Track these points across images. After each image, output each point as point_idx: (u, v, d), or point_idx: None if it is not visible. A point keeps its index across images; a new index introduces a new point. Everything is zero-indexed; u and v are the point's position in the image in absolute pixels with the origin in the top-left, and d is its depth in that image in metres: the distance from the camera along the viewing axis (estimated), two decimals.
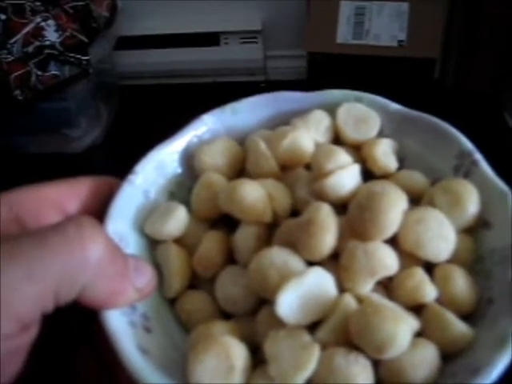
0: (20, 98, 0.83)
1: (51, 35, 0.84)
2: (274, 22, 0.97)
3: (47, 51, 0.83)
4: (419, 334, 0.25)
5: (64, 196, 0.27)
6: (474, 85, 0.93)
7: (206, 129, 0.32)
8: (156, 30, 0.96)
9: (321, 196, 0.27)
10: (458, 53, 0.95)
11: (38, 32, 0.84)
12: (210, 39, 0.96)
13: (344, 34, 0.94)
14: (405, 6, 0.93)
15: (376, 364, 0.24)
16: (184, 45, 0.96)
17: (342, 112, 0.31)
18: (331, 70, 0.95)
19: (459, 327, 0.25)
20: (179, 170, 0.31)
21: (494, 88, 0.92)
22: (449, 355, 0.25)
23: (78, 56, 0.84)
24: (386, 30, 0.94)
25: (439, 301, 0.26)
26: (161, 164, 0.30)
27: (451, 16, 0.93)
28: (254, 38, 0.97)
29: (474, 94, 0.93)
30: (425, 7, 0.92)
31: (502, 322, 0.25)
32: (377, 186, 0.27)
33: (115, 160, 0.88)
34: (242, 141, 0.32)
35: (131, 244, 0.28)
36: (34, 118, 0.85)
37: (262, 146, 0.29)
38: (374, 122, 0.31)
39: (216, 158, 0.30)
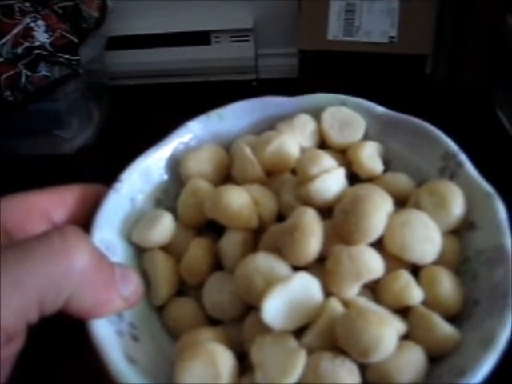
0: (10, 99, 0.83)
1: (41, 36, 0.84)
2: (265, 21, 0.97)
3: (37, 52, 0.83)
4: (406, 337, 0.25)
5: (50, 204, 0.27)
6: (465, 80, 0.93)
7: (191, 135, 0.32)
8: (147, 30, 0.96)
9: (306, 200, 0.27)
10: (449, 48, 0.95)
11: (27, 33, 0.83)
12: (201, 38, 0.96)
13: (335, 30, 0.94)
14: (395, 2, 0.93)
15: (363, 367, 0.24)
16: (175, 44, 0.96)
17: (327, 116, 0.31)
18: (322, 67, 0.95)
19: (445, 329, 0.25)
20: (165, 177, 0.31)
21: (485, 83, 0.92)
22: (435, 357, 0.25)
23: (68, 56, 0.84)
24: (377, 26, 0.94)
25: (425, 303, 0.26)
26: (147, 171, 0.30)
27: (442, 12, 0.93)
28: (246, 36, 0.97)
29: (465, 89, 0.93)
30: (415, 3, 0.92)
31: (488, 323, 0.25)
32: (361, 189, 0.28)
33: (107, 160, 0.88)
34: (228, 147, 0.32)
35: (118, 252, 0.28)
36: (25, 119, 0.85)
37: (248, 151, 0.29)
38: (359, 126, 0.31)
39: (202, 164, 0.30)
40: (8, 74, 0.81)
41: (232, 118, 0.32)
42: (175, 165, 0.31)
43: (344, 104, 0.32)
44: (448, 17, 0.93)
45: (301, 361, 0.23)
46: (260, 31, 0.98)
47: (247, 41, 0.97)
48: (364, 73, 0.94)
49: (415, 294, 0.26)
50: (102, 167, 0.88)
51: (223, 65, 0.97)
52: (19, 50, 0.82)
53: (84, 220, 0.27)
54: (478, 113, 0.89)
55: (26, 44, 0.82)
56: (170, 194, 0.31)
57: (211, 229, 0.29)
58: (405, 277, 0.26)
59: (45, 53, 0.83)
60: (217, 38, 0.97)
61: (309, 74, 0.96)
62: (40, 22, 0.84)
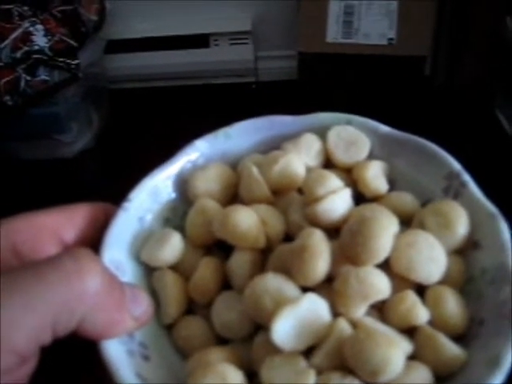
0: (10, 103, 0.83)
1: (40, 40, 0.84)
2: (264, 23, 0.97)
3: (36, 56, 0.83)
4: (412, 357, 0.26)
5: (60, 224, 0.27)
6: (464, 82, 0.94)
7: (199, 154, 0.32)
8: (145, 33, 0.96)
9: (313, 221, 0.28)
10: (448, 50, 0.95)
11: (26, 37, 0.83)
12: (200, 41, 0.96)
13: (334, 33, 0.94)
14: (394, 4, 0.93)
15: None
16: (174, 47, 0.96)
17: (333, 135, 0.31)
18: (321, 69, 0.95)
19: (451, 349, 0.25)
20: (173, 196, 0.31)
21: (484, 85, 0.92)
22: (442, 377, 0.25)
23: (68, 60, 0.84)
24: (376, 28, 0.94)
25: (431, 323, 0.27)
26: (155, 190, 0.30)
27: (441, 13, 0.93)
28: (244, 38, 0.97)
29: (464, 90, 0.93)
30: (414, 5, 0.92)
31: (493, 343, 0.25)
32: (368, 210, 0.28)
33: (107, 164, 0.88)
34: (235, 165, 0.32)
35: (128, 272, 0.28)
36: (25, 123, 0.85)
37: (255, 171, 0.29)
38: (364, 145, 0.31)
39: (209, 183, 0.30)
40: (7, 78, 0.81)
41: (239, 136, 0.32)
42: (183, 183, 0.31)
43: (349, 123, 0.32)
44: (447, 18, 0.93)
45: (310, 381, 0.24)
46: (259, 34, 0.98)
47: (246, 43, 0.97)
48: (363, 75, 0.94)
49: (421, 314, 0.26)
50: (101, 171, 0.88)
51: (222, 68, 0.97)
52: (18, 55, 0.82)
53: (93, 239, 0.28)
54: (477, 114, 0.89)
55: (25, 48, 0.82)
56: (178, 213, 0.31)
57: (220, 247, 0.30)
58: (411, 297, 0.26)
59: (44, 57, 0.83)
60: (216, 40, 0.97)
61: (308, 76, 0.96)
62: (39, 27, 0.84)
